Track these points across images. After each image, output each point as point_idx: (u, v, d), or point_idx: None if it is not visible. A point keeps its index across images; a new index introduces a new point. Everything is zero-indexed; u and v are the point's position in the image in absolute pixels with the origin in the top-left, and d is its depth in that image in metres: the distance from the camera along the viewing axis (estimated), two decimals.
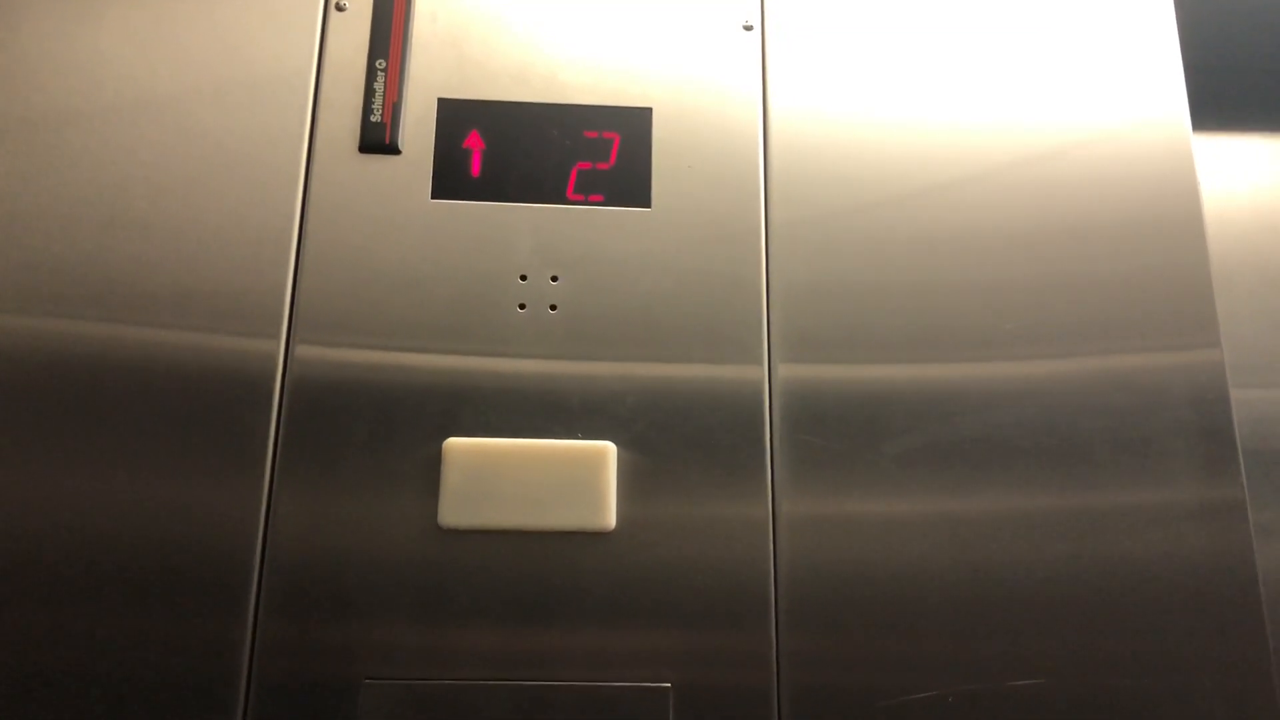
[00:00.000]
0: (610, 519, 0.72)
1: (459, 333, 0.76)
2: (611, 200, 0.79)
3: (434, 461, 0.72)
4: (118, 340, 0.73)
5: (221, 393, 0.72)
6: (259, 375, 0.73)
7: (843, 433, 0.75)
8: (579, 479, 0.72)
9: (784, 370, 0.76)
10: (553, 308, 0.77)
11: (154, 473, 0.71)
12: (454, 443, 0.72)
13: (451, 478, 0.72)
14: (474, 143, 0.80)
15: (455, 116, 0.80)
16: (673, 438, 0.74)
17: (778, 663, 0.71)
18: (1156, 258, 0.81)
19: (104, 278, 0.74)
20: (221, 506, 0.70)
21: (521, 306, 0.77)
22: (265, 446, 0.72)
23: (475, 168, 0.79)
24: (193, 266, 0.75)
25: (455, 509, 0.71)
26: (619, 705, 0.69)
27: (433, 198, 0.78)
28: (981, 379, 0.77)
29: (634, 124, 0.81)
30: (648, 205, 0.79)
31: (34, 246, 0.74)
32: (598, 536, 0.72)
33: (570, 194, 0.79)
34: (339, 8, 0.82)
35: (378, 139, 0.79)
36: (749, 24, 0.85)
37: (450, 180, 0.79)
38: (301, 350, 0.74)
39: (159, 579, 0.69)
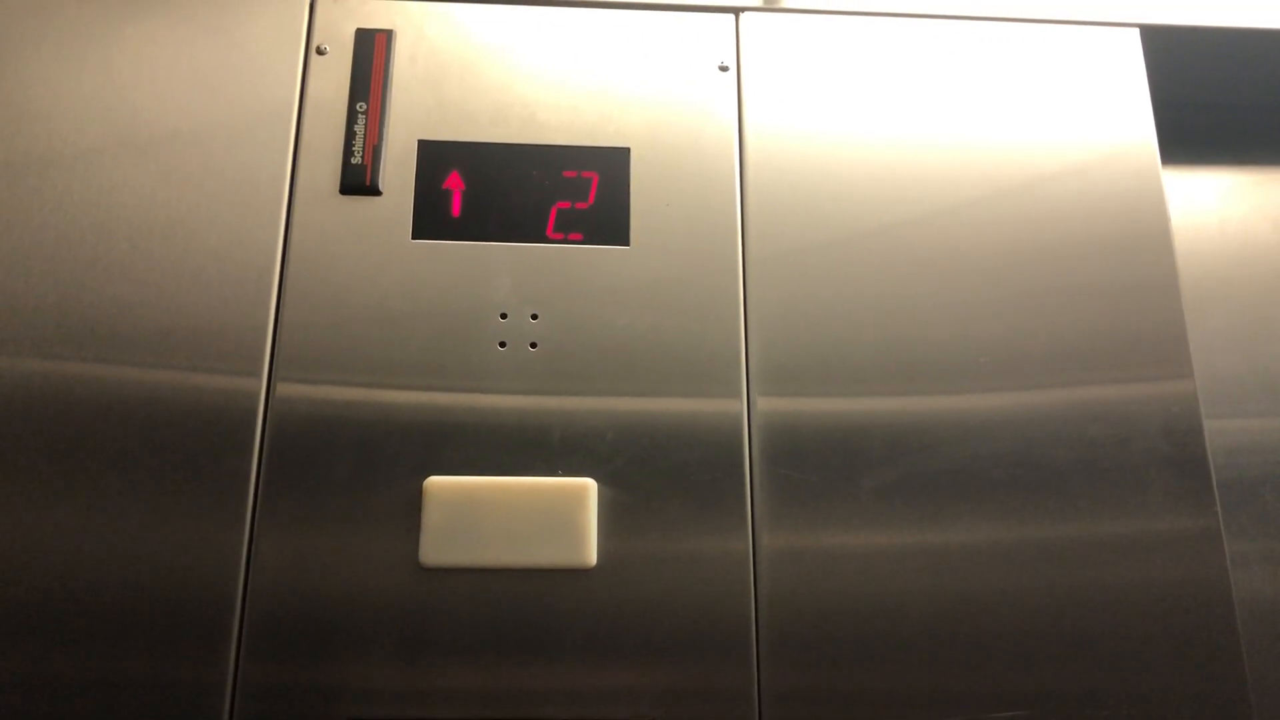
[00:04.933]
0: (591, 556, 0.72)
1: (440, 371, 0.76)
2: (590, 239, 0.80)
3: (415, 500, 0.73)
4: (100, 380, 0.73)
5: (203, 431, 0.73)
6: (241, 414, 0.73)
7: (821, 466, 0.76)
8: (560, 516, 0.73)
9: (763, 404, 0.77)
10: (533, 345, 0.77)
11: (135, 512, 0.70)
12: (435, 481, 0.72)
13: (432, 516, 0.72)
14: (454, 183, 0.81)
15: (435, 157, 0.81)
16: (653, 473, 0.75)
17: (759, 698, 0.71)
18: (1128, 290, 0.82)
19: (86, 319, 0.75)
20: (203, 546, 0.70)
21: (502, 344, 0.77)
22: (247, 485, 0.72)
23: (455, 208, 0.80)
24: (175, 307, 0.75)
25: (436, 547, 0.71)
26: None
27: (413, 238, 0.79)
28: (957, 411, 0.78)
29: (612, 163, 0.82)
30: (626, 243, 0.80)
31: (16, 289, 0.75)
32: (579, 573, 0.72)
33: (550, 233, 0.80)
34: (320, 51, 0.83)
35: (359, 180, 0.80)
36: (725, 65, 0.86)
37: (431, 220, 0.80)
38: (283, 389, 0.74)
39: (140, 620, 0.68)
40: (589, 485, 0.73)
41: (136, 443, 0.72)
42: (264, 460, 0.73)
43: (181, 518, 0.71)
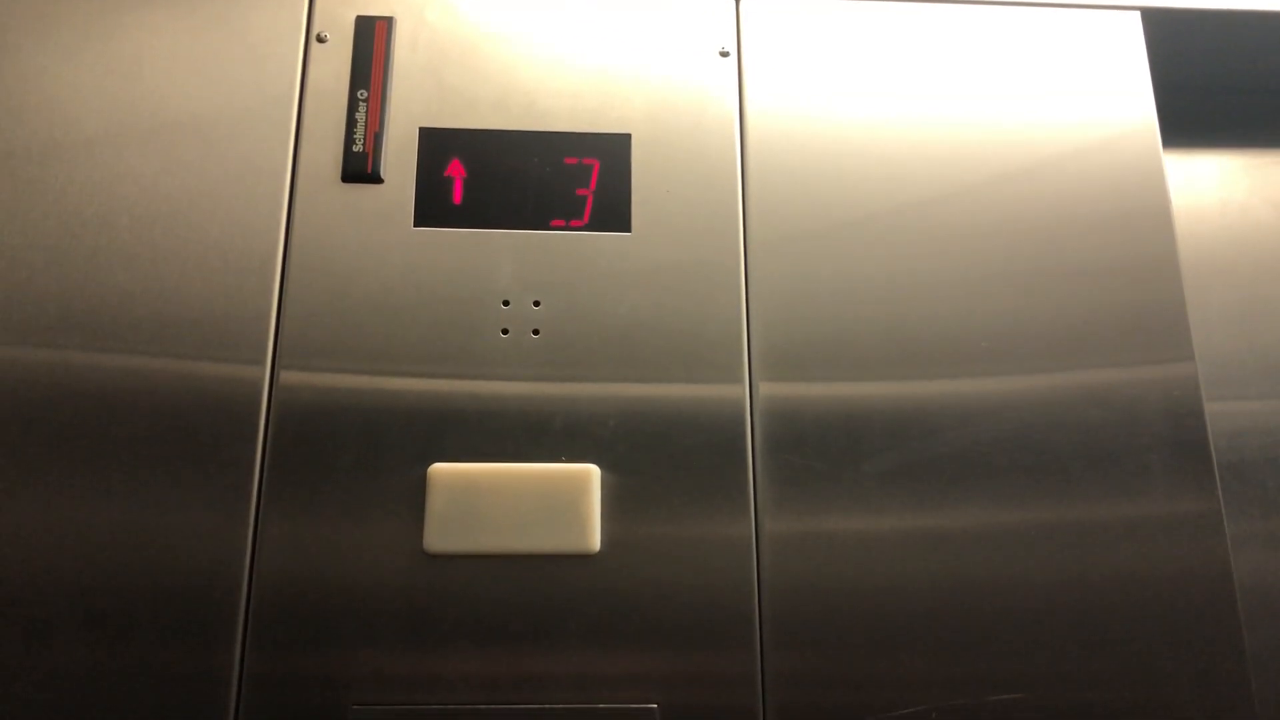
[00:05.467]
0: (595, 542, 0.72)
1: (443, 358, 0.76)
2: (592, 225, 0.80)
3: (419, 487, 0.73)
4: (102, 369, 0.73)
5: (207, 420, 0.73)
6: (244, 401, 0.74)
7: (824, 451, 0.76)
8: (563, 502, 0.73)
9: (764, 389, 0.77)
10: (535, 332, 0.77)
11: (139, 502, 0.71)
12: (439, 468, 0.73)
13: (437, 503, 0.72)
14: (455, 170, 0.81)
15: (436, 145, 0.81)
16: (656, 459, 0.75)
17: (763, 681, 0.71)
18: (1129, 273, 0.82)
19: (90, 308, 0.75)
20: (208, 535, 0.71)
21: (504, 331, 0.77)
22: (251, 474, 0.72)
23: (457, 195, 0.80)
24: (178, 295, 0.76)
25: (441, 534, 0.72)
26: None
27: (415, 225, 0.79)
28: (959, 396, 0.78)
29: (613, 149, 0.82)
30: (628, 230, 0.80)
31: (19, 278, 0.75)
32: (582, 559, 0.72)
33: (551, 219, 0.80)
34: (320, 39, 0.83)
35: (360, 168, 0.80)
36: (725, 50, 0.86)
37: (432, 208, 0.80)
38: (286, 376, 0.75)
39: (145, 610, 0.69)
40: (592, 471, 0.74)
41: (140, 432, 0.72)
42: (268, 448, 0.73)
43: (186, 507, 0.71)
